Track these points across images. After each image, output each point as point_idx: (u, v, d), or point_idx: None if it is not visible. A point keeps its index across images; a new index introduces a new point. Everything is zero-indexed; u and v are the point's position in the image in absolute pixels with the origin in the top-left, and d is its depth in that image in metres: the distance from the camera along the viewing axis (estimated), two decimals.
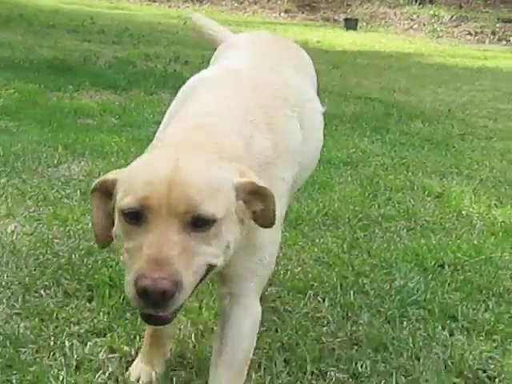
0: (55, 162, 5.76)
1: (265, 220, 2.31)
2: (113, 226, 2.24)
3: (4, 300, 3.49)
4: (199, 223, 2.06)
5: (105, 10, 25.30)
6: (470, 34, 27.22)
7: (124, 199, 2.09)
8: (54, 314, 3.38)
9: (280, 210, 2.42)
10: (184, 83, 2.93)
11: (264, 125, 2.53)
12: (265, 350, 3.25)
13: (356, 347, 3.38)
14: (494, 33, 26.97)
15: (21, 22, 16.48)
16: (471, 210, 5.52)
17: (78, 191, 5.06)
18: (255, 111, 2.56)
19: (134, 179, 2.13)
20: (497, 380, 3.21)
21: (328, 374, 3.14)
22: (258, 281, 2.58)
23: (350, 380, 3.12)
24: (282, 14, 32.01)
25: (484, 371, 3.26)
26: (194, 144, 2.26)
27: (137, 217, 2.07)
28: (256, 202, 2.25)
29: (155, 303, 1.99)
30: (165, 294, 1.96)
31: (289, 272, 4.05)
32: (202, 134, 2.33)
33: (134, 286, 1.99)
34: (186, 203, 2.04)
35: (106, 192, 2.27)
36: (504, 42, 26.64)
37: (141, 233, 2.06)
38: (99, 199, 2.32)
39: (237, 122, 2.47)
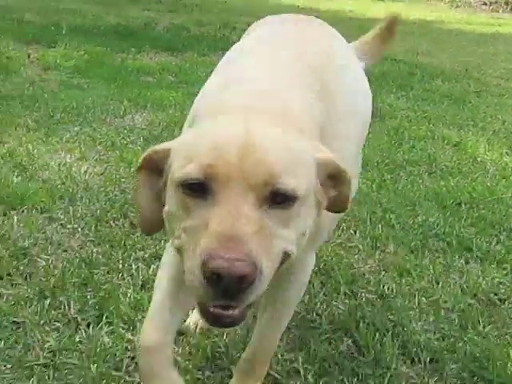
0: (121, 113, 5.82)
1: (336, 207, 1.77)
2: (162, 209, 1.68)
3: (79, 229, 3.56)
4: (278, 199, 1.51)
5: None
6: (485, 3, 26.52)
7: (185, 168, 1.54)
8: (122, 242, 3.43)
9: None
10: (232, 46, 2.80)
11: (319, 86, 1.90)
12: None
13: (383, 272, 3.41)
14: (507, 3, 26.25)
15: None
16: (485, 157, 5.46)
17: (141, 138, 5.13)
18: (308, 73, 1.93)
19: (196, 145, 1.58)
20: (506, 302, 3.23)
21: (359, 294, 3.17)
22: (315, 248, 2.14)
23: (378, 300, 3.15)
24: None
25: (495, 294, 3.28)
26: (261, 110, 1.68)
27: (200, 189, 1.52)
28: (330, 187, 1.70)
29: (228, 291, 1.42)
30: (243, 280, 1.40)
31: None
32: (266, 99, 1.74)
33: (200, 269, 1.42)
34: (263, 173, 1.49)
35: (156, 168, 1.70)
36: None
37: (205, 207, 1.50)
38: (146, 177, 1.74)
39: (297, 86, 1.86)
